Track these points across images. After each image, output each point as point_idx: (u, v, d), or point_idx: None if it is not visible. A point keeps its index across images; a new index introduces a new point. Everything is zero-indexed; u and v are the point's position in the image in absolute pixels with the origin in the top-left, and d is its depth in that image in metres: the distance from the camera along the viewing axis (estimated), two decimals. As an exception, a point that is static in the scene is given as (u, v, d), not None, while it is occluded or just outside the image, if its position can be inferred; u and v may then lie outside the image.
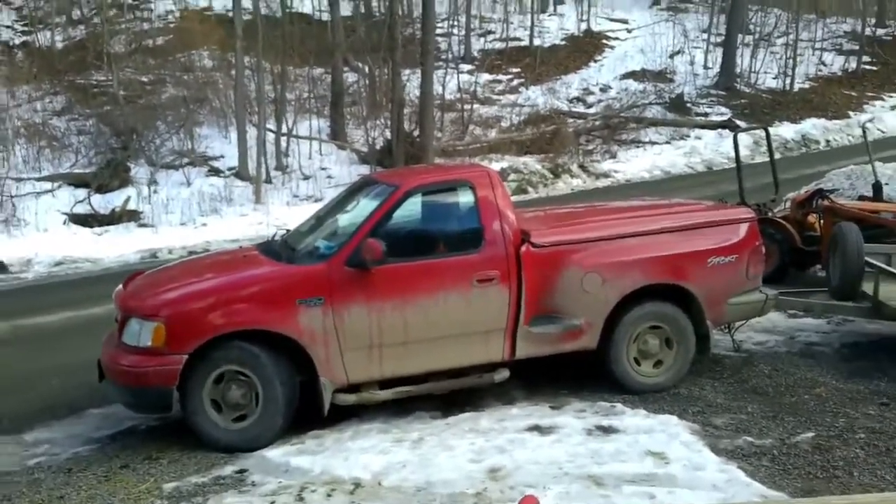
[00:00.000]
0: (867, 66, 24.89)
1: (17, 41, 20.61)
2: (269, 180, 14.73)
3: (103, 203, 13.09)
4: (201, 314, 4.60)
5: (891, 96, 23.16)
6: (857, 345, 6.23)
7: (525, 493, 3.89)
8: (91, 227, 12.47)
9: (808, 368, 5.67)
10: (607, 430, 4.60)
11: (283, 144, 15.93)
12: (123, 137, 15.20)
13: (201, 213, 13.09)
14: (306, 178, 15.21)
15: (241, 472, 4.36)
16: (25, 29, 21.28)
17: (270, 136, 15.56)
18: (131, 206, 13.06)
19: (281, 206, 13.58)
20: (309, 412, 4.82)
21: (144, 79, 18.18)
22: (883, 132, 19.35)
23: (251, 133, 14.96)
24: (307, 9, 24.07)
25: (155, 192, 13.61)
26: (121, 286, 5.28)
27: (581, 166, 15.92)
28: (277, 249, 5.31)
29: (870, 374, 5.51)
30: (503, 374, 5.14)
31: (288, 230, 6.10)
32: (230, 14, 17.74)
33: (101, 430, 5.17)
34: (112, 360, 4.71)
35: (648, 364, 5.34)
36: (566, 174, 15.38)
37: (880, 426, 4.64)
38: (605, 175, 15.81)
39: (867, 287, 5.88)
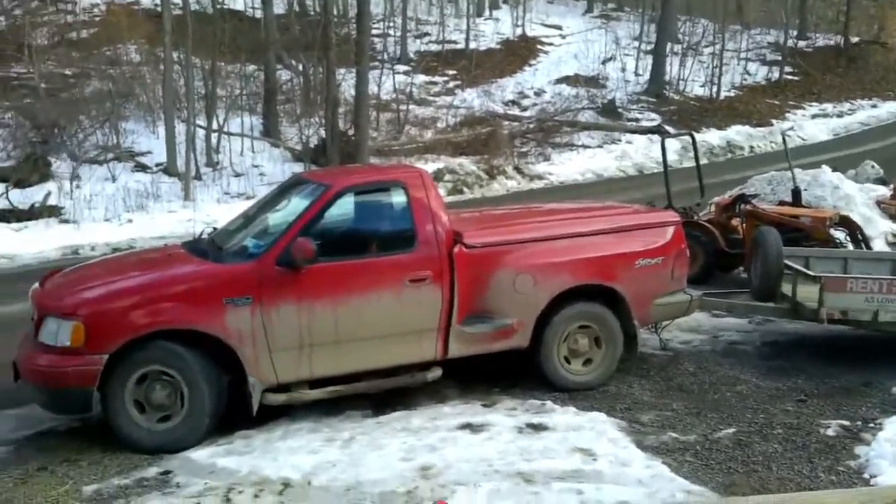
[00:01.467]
0: (789, 77, 25.96)
1: (-70, 29, 19.60)
2: (198, 177, 14.40)
3: (22, 198, 12.55)
4: (123, 313, 4.45)
5: (811, 105, 24.20)
6: (776, 344, 6.47)
7: (455, 491, 3.91)
8: (9, 222, 11.92)
9: (730, 367, 5.86)
10: (537, 428, 4.65)
11: (214, 141, 15.59)
12: (44, 131, 14.63)
13: (126, 210, 12.67)
14: (238, 175, 14.93)
15: (166, 473, 4.23)
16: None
17: (200, 133, 15.21)
18: (52, 201, 12.54)
19: (211, 204, 13.28)
20: (238, 412, 4.71)
21: (68, 72, 17.55)
22: (804, 140, 20.20)
23: (180, 129, 14.59)
24: (239, 5, 23.68)
25: (77, 187, 13.14)
26: (37, 284, 5.07)
27: (516, 168, 16.07)
28: (204, 248, 5.18)
29: (788, 372, 5.74)
30: (436, 373, 5.14)
31: (215, 228, 5.96)
32: (159, 8, 17.29)
33: (17, 431, 4.94)
34: (29, 360, 4.51)
35: (578, 362, 5.42)
36: (501, 175, 15.50)
37: (797, 422, 4.83)
38: (540, 177, 16.00)
39: (786, 288, 6.10)
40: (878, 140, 19.30)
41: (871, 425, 4.75)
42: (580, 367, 5.42)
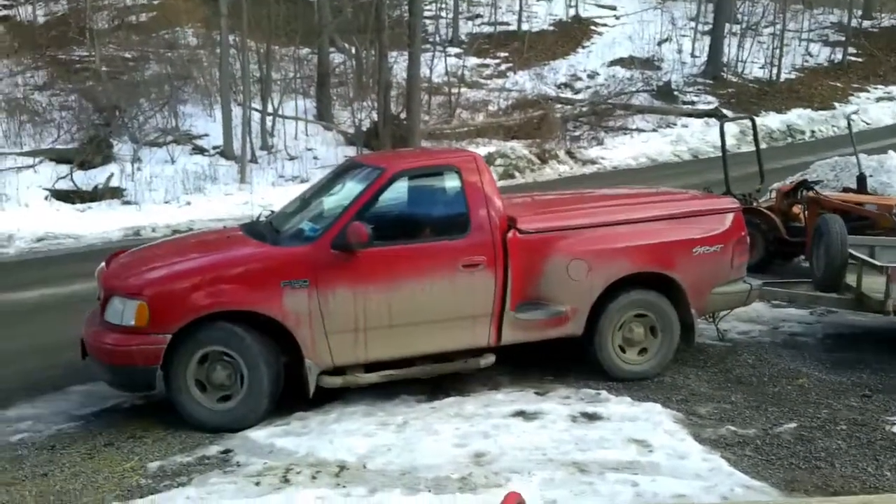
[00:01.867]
0: (853, 58, 25.03)
1: (-3, 14, 20.23)
2: (254, 160, 14.60)
3: (86, 180, 12.91)
4: (185, 294, 4.55)
5: (876, 88, 23.33)
6: (840, 336, 6.29)
7: (510, 479, 3.91)
8: (73, 203, 12.31)
9: (791, 359, 5.72)
10: (592, 417, 4.61)
11: (269, 124, 15.78)
12: (106, 114, 14.98)
13: (185, 192, 12.95)
14: (292, 158, 15.09)
15: (226, 452, 4.33)
16: (6, 3, 20.87)
17: (256, 116, 15.41)
18: (114, 182, 12.88)
19: (266, 186, 13.47)
20: (294, 394, 4.79)
21: (127, 55, 17.91)
22: (868, 124, 19.51)
23: (236, 112, 14.80)
24: (294, -12, 23.80)
25: (138, 169, 13.44)
26: (103, 264, 5.22)
27: (568, 152, 15.92)
28: (262, 230, 5.26)
29: (852, 366, 5.57)
30: (489, 360, 5.14)
31: (273, 211, 6.04)
32: (216, -9, 17.49)
33: (84, 407, 5.11)
34: (95, 339, 4.65)
35: (633, 352, 5.36)
36: (553, 160, 15.37)
37: (862, 418, 4.69)
38: (592, 162, 15.82)
39: (850, 279, 5.92)
40: (948, 124, 18.51)
41: (941, 423, 4.58)
42: (635, 357, 5.36)
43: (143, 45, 18.23)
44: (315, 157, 15.26)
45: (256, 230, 5.31)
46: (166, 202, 12.54)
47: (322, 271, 4.69)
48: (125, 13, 20.43)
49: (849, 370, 5.49)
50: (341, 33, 19.85)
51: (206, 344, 4.57)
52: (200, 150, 14.83)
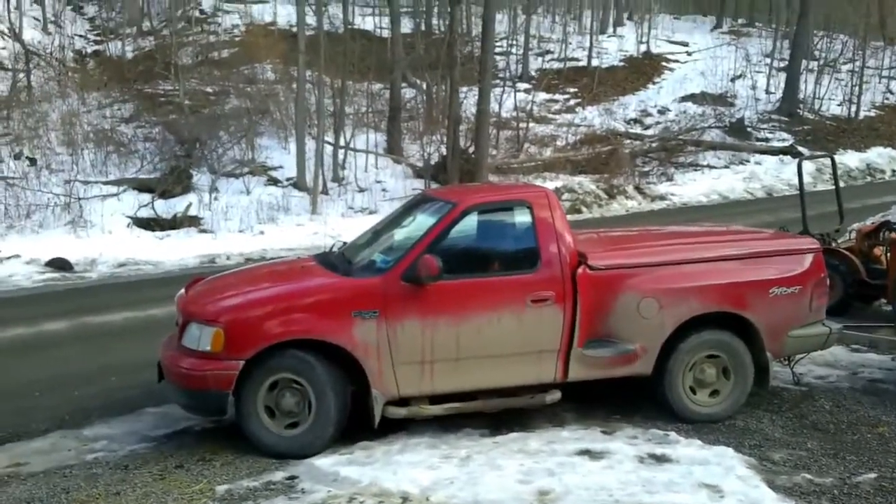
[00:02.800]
0: (936, 96, 24.17)
1: (89, 50, 21.43)
2: (325, 191, 14.96)
3: (166, 208, 13.47)
4: (259, 322, 4.67)
5: (961, 127, 22.42)
6: (923, 383, 6.00)
7: (575, 518, 3.85)
8: (153, 230, 12.83)
9: (871, 406, 5.48)
10: (660, 459, 4.51)
11: (341, 157, 16.17)
12: (187, 145, 15.63)
13: (259, 221, 13.35)
14: (362, 190, 15.40)
15: (292, 478, 4.40)
16: (98, 38, 22.10)
17: (328, 149, 15.81)
18: (192, 211, 13.40)
19: (336, 217, 13.78)
20: (359, 423, 4.85)
21: (209, 89, 18.70)
22: (951, 164, 18.74)
23: (310, 145, 15.23)
24: (369, 26, 24.47)
25: (215, 199, 13.95)
26: (183, 290, 5.40)
27: (637, 188, 15.78)
28: (334, 261, 5.36)
29: (936, 415, 5.30)
30: (555, 396, 5.10)
31: (345, 242, 6.17)
32: (294, 29, 18.15)
33: (157, 428, 5.28)
34: (172, 362, 4.81)
35: (704, 393, 5.23)
36: (621, 195, 15.26)
37: (947, 470, 4.46)
38: (661, 197, 15.63)
39: (936, 324, 5.68)
40: None
41: None
42: (706, 399, 5.22)
43: (224, 79, 19.00)
44: (384, 190, 15.55)
45: (329, 260, 5.42)
46: (240, 231, 12.94)
47: (392, 303, 4.75)
48: (208, 49, 21.36)
49: (933, 420, 5.23)
50: (413, 69, 20.28)
51: (277, 371, 4.67)
52: (274, 182, 15.29)
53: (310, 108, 16.48)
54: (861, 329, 6.24)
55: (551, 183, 15.13)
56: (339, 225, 12.75)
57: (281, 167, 15.79)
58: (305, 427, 4.71)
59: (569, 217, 12.14)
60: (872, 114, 22.86)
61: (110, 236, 12.28)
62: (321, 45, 15.53)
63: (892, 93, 24.44)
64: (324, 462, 4.54)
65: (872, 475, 4.40)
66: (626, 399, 5.42)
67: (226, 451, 4.78)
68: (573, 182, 15.54)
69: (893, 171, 18.59)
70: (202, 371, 4.61)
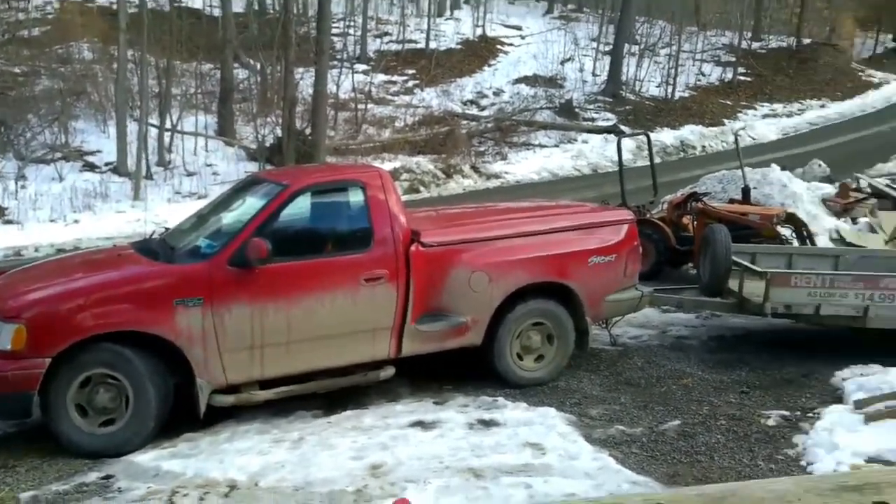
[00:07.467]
0: (742, 77, 26.43)
1: None
2: (149, 176, 14.18)
3: (-35, 199, 12.27)
4: (68, 315, 4.37)
5: (762, 106, 24.69)
6: (722, 338, 6.62)
7: (406, 488, 3.92)
8: (-49, 223, 11.65)
9: (677, 360, 5.98)
10: (489, 424, 4.69)
11: (167, 140, 15.36)
12: (-10, 130, 14.29)
13: (73, 210, 12.43)
14: (190, 174, 14.73)
15: (107, 478, 4.17)
16: None
17: (153, 132, 14.98)
18: (-4, 201, 12.28)
19: (161, 203, 13.09)
20: (184, 414, 4.66)
21: (17, 70, 17.12)
22: (754, 139, 20.58)
23: (132, 128, 14.36)
24: (197, 3, 23.34)
25: (23, 187, 12.90)
26: (-21, 286, 4.94)
27: (473, 167, 16.13)
28: (155, 248, 5.11)
29: (733, 365, 5.88)
30: (389, 372, 5.15)
31: (167, 228, 5.88)
32: (114, 6, 16.98)
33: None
34: (-33, 365, 4.39)
35: (530, 359, 5.48)
36: (458, 174, 15.53)
37: (740, 413, 4.95)
38: (496, 176, 16.07)
39: (733, 284, 6.24)
40: (825, 140, 19.76)
41: (810, 415, 4.89)
42: (532, 364, 5.48)
43: (35, 59, 17.47)
44: (215, 173, 14.96)
45: (149, 247, 5.15)
46: (52, 220, 11.99)
47: (218, 289, 4.60)
48: (16, 27, 19.55)
49: (730, 369, 5.79)
50: (246, 49, 19.59)
51: (90, 367, 4.39)
52: (91, 167, 14.33)
53: (132, 88, 15.52)
54: (670, 291, 6.75)
55: (390, 163, 15.17)
56: (164, 211, 12.10)
57: (99, 151, 14.79)
58: (122, 423, 4.46)
59: (407, 197, 12.10)
60: (686, 94, 24.60)
61: None
62: (144, 23, 14.63)
63: (704, 75, 26.44)
64: (143, 458, 4.34)
65: (677, 422, 4.81)
66: (459, 370, 5.57)
67: (31, 456, 4.45)
68: (411, 162, 15.64)
69: (704, 147, 20.10)
70: (2, 371, 4.26)
